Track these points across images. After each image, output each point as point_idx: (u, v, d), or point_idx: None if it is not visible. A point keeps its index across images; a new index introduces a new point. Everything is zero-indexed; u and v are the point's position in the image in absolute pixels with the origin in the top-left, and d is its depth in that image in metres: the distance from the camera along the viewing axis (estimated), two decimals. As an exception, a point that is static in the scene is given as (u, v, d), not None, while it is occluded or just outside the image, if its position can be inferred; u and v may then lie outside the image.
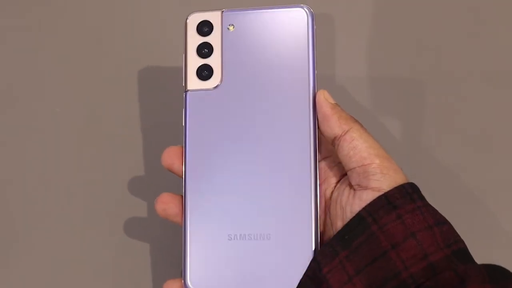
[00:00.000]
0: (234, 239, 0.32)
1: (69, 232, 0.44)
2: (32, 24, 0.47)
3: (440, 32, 0.47)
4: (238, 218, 0.33)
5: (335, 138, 0.32)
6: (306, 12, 0.34)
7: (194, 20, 0.34)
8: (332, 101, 0.33)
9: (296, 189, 0.33)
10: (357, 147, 0.31)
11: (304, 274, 0.31)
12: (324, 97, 0.33)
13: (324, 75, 0.41)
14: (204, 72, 0.34)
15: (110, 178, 0.44)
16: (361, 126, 0.32)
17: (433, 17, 0.47)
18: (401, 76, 0.46)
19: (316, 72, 0.33)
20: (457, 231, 0.30)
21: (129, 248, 0.43)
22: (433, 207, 0.30)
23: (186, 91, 0.34)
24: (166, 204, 0.34)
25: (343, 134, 0.32)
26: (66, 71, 0.46)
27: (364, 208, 0.30)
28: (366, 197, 0.30)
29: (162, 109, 0.45)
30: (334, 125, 0.32)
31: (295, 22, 0.34)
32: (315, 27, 0.34)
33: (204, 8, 0.35)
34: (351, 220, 0.30)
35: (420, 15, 0.47)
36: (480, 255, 0.30)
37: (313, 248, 0.32)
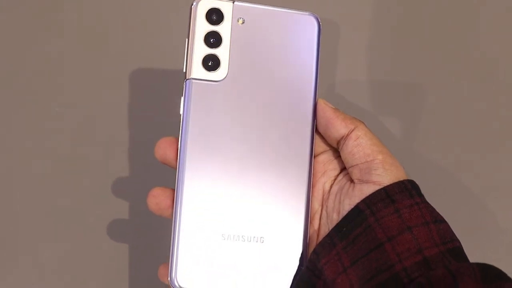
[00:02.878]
0: (228, 239, 0.32)
1: (68, 229, 0.44)
2: (32, 23, 0.47)
3: (440, 34, 0.47)
4: (233, 218, 0.32)
5: (341, 138, 0.32)
6: (316, 21, 0.34)
7: (203, 5, 0.33)
8: (332, 106, 0.33)
9: (292, 194, 0.33)
10: (361, 144, 0.32)
11: (305, 266, 0.32)
12: (324, 103, 0.33)
13: (325, 78, 0.41)
14: (211, 62, 0.33)
15: (110, 175, 0.44)
16: (365, 125, 0.33)
17: (433, 19, 0.47)
18: (400, 79, 0.46)
19: (318, 78, 0.34)
20: (457, 230, 0.30)
21: (130, 242, 0.44)
22: (431, 206, 0.31)
23: (188, 79, 0.33)
24: (157, 197, 0.33)
25: (349, 133, 0.32)
26: (66, 70, 0.46)
27: (363, 201, 0.31)
28: (366, 190, 0.31)
29: (161, 106, 0.45)
30: (340, 126, 0.32)
31: (305, 28, 0.34)
32: (321, 36, 0.34)
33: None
34: (349, 212, 0.31)
35: (421, 17, 0.47)
36: (479, 254, 0.31)
37: (302, 255, 0.32)
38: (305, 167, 0.33)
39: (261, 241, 0.32)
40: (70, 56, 0.46)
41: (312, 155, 0.33)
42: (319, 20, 0.34)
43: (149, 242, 0.44)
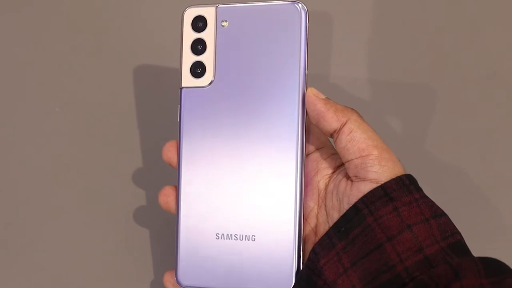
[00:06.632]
0: (221, 238, 0.33)
1: (68, 229, 0.44)
2: (31, 23, 0.46)
3: (439, 32, 0.45)
4: (225, 218, 0.33)
5: (334, 132, 0.32)
6: (299, 8, 0.33)
7: (189, 15, 0.34)
8: (323, 97, 0.32)
9: (283, 191, 0.33)
10: (355, 139, 0.31)
11: (305, 265, 0.32)
12: (314, 95, 0.32)
13: (320, 74, 0.40)
14: (198, 70, 0.34)
15: (110, 175, 0.44)
16: (359, 115, 0.32)
17: (433, 17, 0.46)
18: (398, 76, 0.45)
19: (307, 69, 0.33)
20: (461, 231, 0.30)
21: (131, 242, 0.44)
22: (430, 199, 0.30)
23: (181, 88, 0.34)
24: (168, 196, 0.35)
25: (341, 126, 0.31)
26: (65, 70, 0.46)
27: (361, 200, 0.30)
28: (364, 189, 0.30)
29: (162, 106, 0.45)
30: (331, 120, 0.31)
31: (287, 18, 0.33)
32: (308, 24, 0.33)
33: (204, 3, 0.34)
34: (347, 211, 0.30)
35: (420, 15, 0.46)
36: (481, 253, 0.30)
37: (296, 252, 0.32)
38: (295, 165, 0.33)
39: (253, 239, 0.33)
40: (70, 56, 0.46)
41: (303, 152, 0.33)
42: (304, 6, 0.33)
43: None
